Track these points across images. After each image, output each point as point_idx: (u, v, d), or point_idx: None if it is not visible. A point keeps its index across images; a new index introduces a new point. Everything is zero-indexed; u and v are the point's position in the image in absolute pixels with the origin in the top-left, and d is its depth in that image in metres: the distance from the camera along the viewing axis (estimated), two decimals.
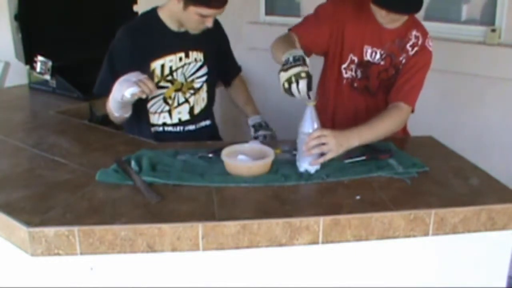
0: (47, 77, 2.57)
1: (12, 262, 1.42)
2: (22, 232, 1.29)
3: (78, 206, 1.39)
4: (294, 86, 1.54)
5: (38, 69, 2.58)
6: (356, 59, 1.96)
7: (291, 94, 1.56)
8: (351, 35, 1.93)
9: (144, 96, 1.74)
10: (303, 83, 1.53)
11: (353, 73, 1.98)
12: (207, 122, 2.09)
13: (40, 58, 2.57)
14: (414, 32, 1.91)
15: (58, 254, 1.29)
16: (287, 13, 3.61)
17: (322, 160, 1.60)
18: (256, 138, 1.98)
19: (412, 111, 1.92)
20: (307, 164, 1.60)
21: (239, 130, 2.31)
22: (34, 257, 1.30)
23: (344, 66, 1.98)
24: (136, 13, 2.84)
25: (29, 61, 2.62)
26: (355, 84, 2.00)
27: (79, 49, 2.71)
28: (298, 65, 1.55)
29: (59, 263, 1.32)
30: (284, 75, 1.56)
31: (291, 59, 1.57)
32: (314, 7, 2.00)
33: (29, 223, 1.29)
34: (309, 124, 1.60)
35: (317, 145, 1.58)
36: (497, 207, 1.44)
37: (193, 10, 1.77)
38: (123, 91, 1.71)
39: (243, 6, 3.55)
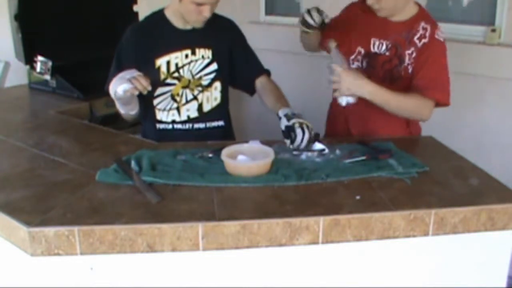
0: (47, 77, 2.57)
1: (12, 262, 1.42)
2: (22, 232, 1.29)
3: (78, 206, 1.39)
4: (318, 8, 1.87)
5: (38, 69, 2.58)
6: (363, 51, 2.00)
7: (317, 12, 1.89)
8: (360, 30, 1.99)
9: (137, 93, 1.75)
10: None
11: (360, 64, 2.01)
12: (220, 123, 2.07)
13: (40, 58, 2.57)
14: (422, 24, 1.91)
15: (58, 254, 1.29)
16: (287, 13, 3.61)
17: (338, 94, 1.79)
18: (288, 130, 1.73)
19: (446, 104, 1.90)
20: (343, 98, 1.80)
21: (241, 130, 2.31)
22: (34, 257, 1.30)
23: (351, 57, 2.02)
24: (136, 13, 2.84)
25: (29, 61, 2.62)
26: None
27: (79, 49, 2.71)
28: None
29: (59, 263, 1.32)
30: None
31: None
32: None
33: (29, 223, 1.29)
34: (337, 62, 1.80)
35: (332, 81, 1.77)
36: (497, 207, 1.44)
37: None
38: (116, 88, 1.73)
39: (243, 6, 3.55)
